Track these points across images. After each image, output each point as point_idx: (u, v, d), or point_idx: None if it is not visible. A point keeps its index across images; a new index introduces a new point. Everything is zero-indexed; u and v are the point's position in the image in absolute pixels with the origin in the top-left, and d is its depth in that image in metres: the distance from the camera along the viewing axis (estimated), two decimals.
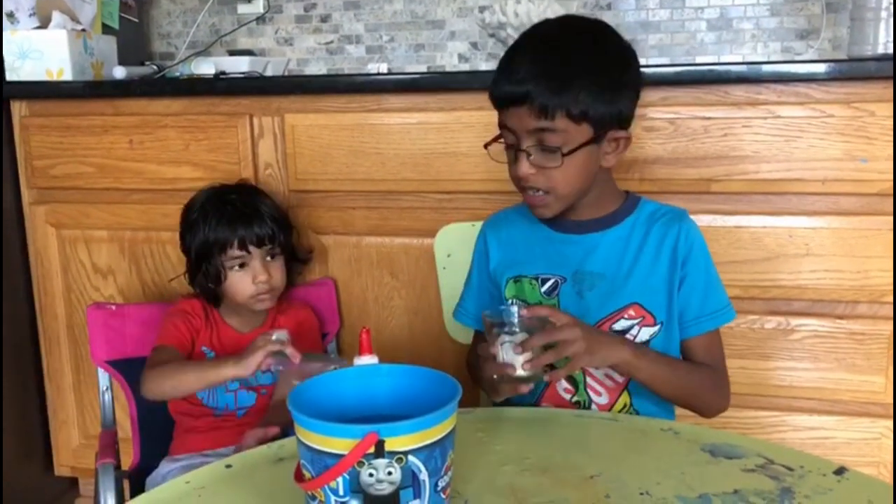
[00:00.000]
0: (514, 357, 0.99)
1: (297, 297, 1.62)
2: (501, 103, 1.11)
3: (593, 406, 1.16)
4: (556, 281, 1.18)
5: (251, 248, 1.43)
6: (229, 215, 1.43)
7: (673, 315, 1.16)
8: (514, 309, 1.02)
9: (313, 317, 1.57)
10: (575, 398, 1.17)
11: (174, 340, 1.43)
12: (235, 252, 1.42)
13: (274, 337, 1.24)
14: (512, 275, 1.21)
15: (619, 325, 1.14)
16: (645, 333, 1.15)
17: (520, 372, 0.99)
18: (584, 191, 1.14)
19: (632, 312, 1.15)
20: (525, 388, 1.02)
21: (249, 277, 1.43)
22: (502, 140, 1.14)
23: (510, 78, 1.09)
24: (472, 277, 1.30)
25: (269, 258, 1.46)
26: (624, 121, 1.13)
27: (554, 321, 1.02)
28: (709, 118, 1.47)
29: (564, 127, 1.07)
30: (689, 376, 1.15)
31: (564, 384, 1.16)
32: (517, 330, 1.00)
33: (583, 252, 1.18)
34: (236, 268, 1.43)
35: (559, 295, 1.17)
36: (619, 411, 1.16)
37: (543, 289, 1.18)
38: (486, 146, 1.16)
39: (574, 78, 1.06)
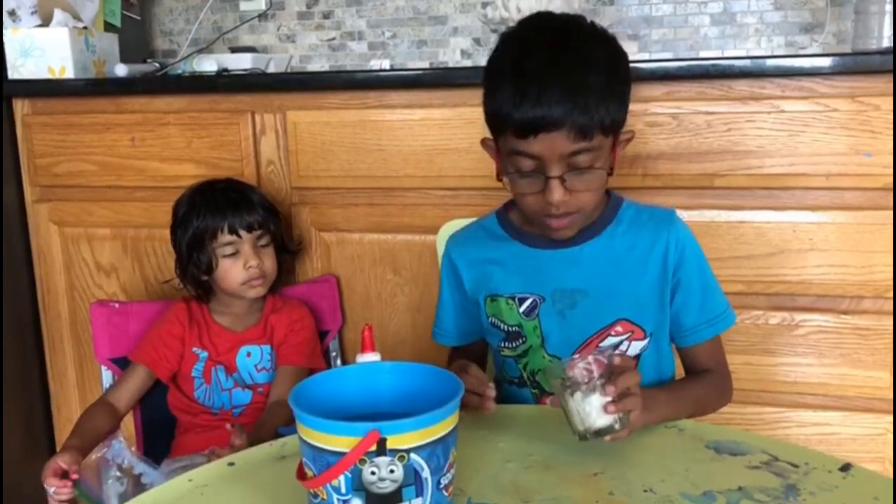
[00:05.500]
0: (590, 405, 0.88)
1: (296, 294, 1.62)
2: (524, 131, 0.97)
3: None
4: (535, 300, 1.11)
5: (242, 232, 1.44)
6: (219, 203, 1.45)
7: (663, 325, 1.12)
8: (581, 363, 0.90)
9: (309, 315, 1.56)
10: None
11: (147, 360, 1.46)
12: (226, 238, 1.43)
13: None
14: (488, 293, 1.15)
15: (607, 342, 1.10)
16: (635, 348, 1.11)
17: (600, 422, 0.88)
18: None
19: (619, 329, 1.10)
20: (623, 434, 0.89)
21: (241, 264, 1.44)
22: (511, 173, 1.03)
23: (534, 101, 0.95)
24: (444, 298, 1.24)
25: (259, 245, 1.47)
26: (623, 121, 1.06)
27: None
28: (712, 113, 1.46)
29: (599, 143, 0.99)
30: (699, 394, 1.11)
31: None
32: (583, 380, 0.89)
33: (561, 268, 1.11)
34: (227, 255, 1.44)
35: (539, 315, 1.11)
36: None
37: (521, 309, 1.12)
38: (498, 178, 1.06)
39: (601, 87, 0.97)
